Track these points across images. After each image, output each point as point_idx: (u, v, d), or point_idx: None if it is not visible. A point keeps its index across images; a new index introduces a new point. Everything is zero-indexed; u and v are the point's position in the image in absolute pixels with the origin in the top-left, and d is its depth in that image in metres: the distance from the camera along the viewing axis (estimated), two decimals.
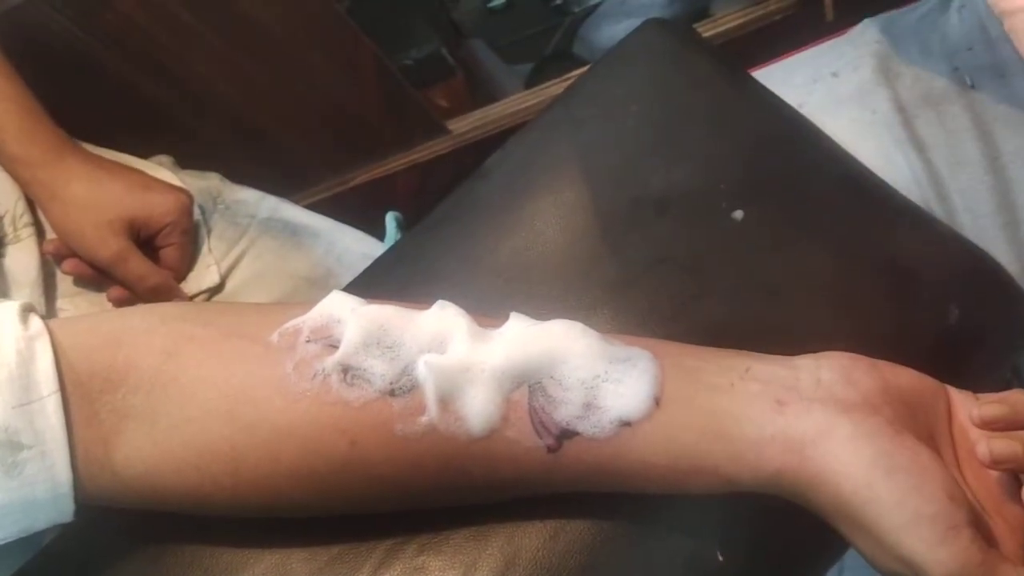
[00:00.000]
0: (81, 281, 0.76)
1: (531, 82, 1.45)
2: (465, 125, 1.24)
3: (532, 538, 0.45)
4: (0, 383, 0.37)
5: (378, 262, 0.58)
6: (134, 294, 0.75)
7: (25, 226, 0.73)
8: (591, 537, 0.45)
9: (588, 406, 0.39)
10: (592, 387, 0.40)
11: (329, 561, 0.45)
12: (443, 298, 0.43)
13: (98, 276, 0.74)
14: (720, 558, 0.44)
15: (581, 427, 0.39)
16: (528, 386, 0.40)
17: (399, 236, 0.89)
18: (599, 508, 0.44)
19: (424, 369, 0.39)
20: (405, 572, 0.45)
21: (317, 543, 0.45)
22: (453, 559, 0.45)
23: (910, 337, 0.41)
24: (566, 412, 0.39)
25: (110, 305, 0.76)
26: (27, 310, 0.40)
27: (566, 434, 0.39)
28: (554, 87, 1.24)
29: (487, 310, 0.51)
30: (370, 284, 0.56)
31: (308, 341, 0.41)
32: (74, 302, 0.76)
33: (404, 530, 0.45)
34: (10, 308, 0.40)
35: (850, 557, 0.86)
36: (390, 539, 0.45)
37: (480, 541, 0.45)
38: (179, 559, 0.46)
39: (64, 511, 0.39)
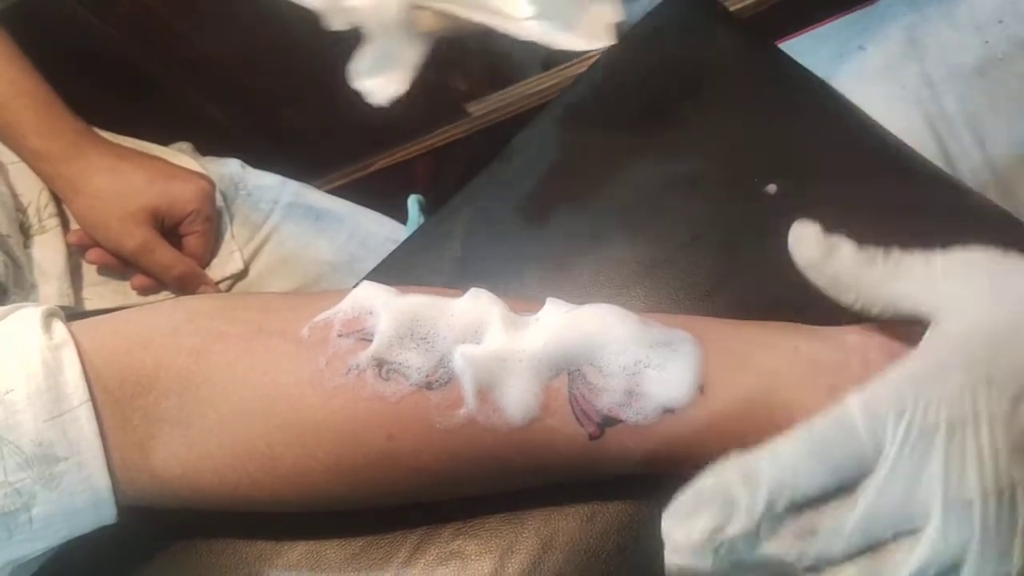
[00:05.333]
0: (105, 270, 0.76)
1: (549, 64, 1.44)
2: (484, 108, 1.23)
3: (568, 520, 0.44)
4: (30, 397, 0.36)
5: (404, 246, 0.57)
6: (161, 283, 0.75)
7: (50, 216, 0.73)
8: (628, 517, 0.44)
9: (630, 393, 0.38)
10: (634, 373, 0.39)
11: (364, 547, 0.45)
12: (472, 281, 0.43)
13: (122, 265, 0.74)
14: None
15: (624, 414, 0.38)
16: (567, 373, 0.39)
17: (422, 219, 0.88)
18: (636, 488, 0.44)
19: (461, 361, 0.38)
20: (441, 556, 0.44)
21: (351, 529, 0.45)
22: (489, 543, 0.44)
23: None
24: (608, 399, 0.38)
25: (135, 293, 0.76)
26: (50, 315, 0.40)
27: (608, 421, 0.38)
28: (573, 68, 1.23)
29: (518, 291, 0.51)
30: (397, 269, 0.56)
31: (340, 335, 0.40)
32: (98, 291, 0.76)
33: (439, 514, 0.45)
34: (33, 316, 0.39)
35: None
36: (425, 523, 0.45)
37: (516, 524, 0.44)
38: (212, 546, 0.46)
39: (106, 515, 0.39)
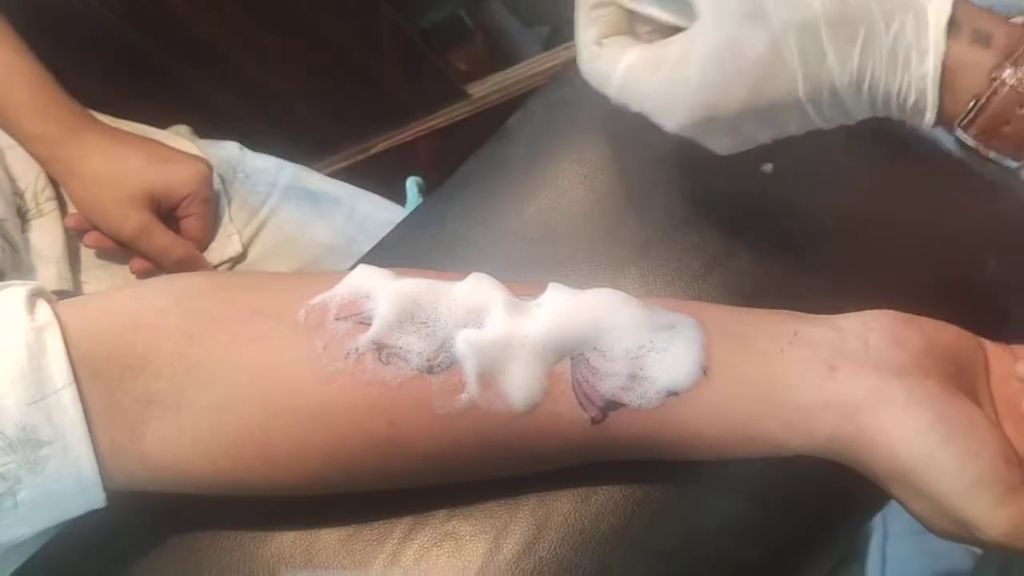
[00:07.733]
0: (103, 254, 0.76)
1: (550, 43, 1.43)
2: (485, 89, 1.23)
3: (563, 501, 0.44)
4: (13, 379, 0.35)
5: (400, 227, 0.57)
6: (158, 267, 0.75)
7: (48, 200, 0.73)
8: (623, 498, 0.44)
9: (634, 377, 0.38)
10: (637, 357, 0.38)
11: (358, 528, 0.45)
12: (468, 261, 0.42)
13: (120, 249, 0.74)
14: None
15: (627, 398, 0.38)
16: (570, 358, 0.39)
17: (421, 201, 0.88)
18: (631, 470, 0.44)
19: (463, 346, 0.38)
20: (435, 538, 0.44)
21: (345, 510, 0.45)
22: (484, 524, 0.44)
23: (947, 289, 0.40)
24: (611, 384, 0.38)
25: (134, 277, 0.76)
26: (35, 294, 0.38)
27: (611, 405, 0.38)
28: (573, 48, 1.22)
29: (513, 272, 0.50)
30: (392, 250, 0.55)
31: (337, 319, 0.39)
32: (96, 275, 0.75)
33: (434, 496, 0.44)
34: (17, 296, 0.37)
35: (895, 523, 0.85)
36: (418, 505, 0.45)
37: (511, 505, 0.44)
38: (205, 530, 0.45)
39: (94, 499, 0.38)
